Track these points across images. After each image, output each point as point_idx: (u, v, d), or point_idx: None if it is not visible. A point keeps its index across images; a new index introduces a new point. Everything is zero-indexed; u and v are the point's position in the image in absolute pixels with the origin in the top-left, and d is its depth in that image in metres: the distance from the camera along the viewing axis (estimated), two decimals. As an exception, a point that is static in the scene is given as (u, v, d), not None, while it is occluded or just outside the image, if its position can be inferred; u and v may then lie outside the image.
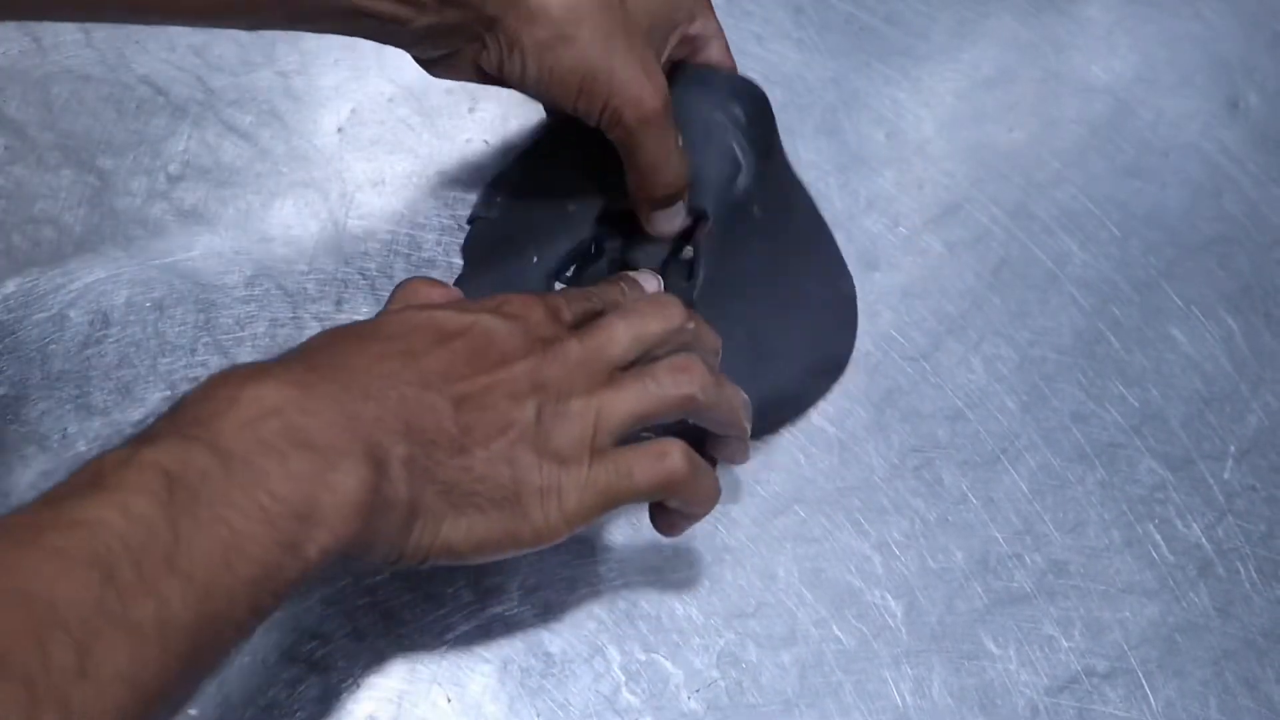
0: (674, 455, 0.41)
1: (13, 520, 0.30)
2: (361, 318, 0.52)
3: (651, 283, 0.49)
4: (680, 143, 0.48)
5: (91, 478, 0.31)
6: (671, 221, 0.50)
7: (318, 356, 0.37)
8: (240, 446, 0.32)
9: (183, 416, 0.34)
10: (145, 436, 0.33)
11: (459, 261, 0.54)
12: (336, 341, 0.39)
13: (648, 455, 0.41)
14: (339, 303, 0.52)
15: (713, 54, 0.53)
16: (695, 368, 0.42)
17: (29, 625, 0.27)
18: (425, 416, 0.37)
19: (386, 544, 0.36)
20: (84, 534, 0.29)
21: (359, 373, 0.37)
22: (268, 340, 0.51)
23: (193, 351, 0.50)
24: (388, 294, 0.52)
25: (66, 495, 0.31)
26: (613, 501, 0.40)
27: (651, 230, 0.50)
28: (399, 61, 0.56)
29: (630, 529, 0.49)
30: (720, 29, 0.53)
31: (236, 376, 0.35)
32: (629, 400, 0.41)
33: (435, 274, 0.53)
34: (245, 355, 0.50)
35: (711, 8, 0.52)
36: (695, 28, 0.51)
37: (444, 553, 0.38)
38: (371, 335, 0.39)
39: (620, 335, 0.41)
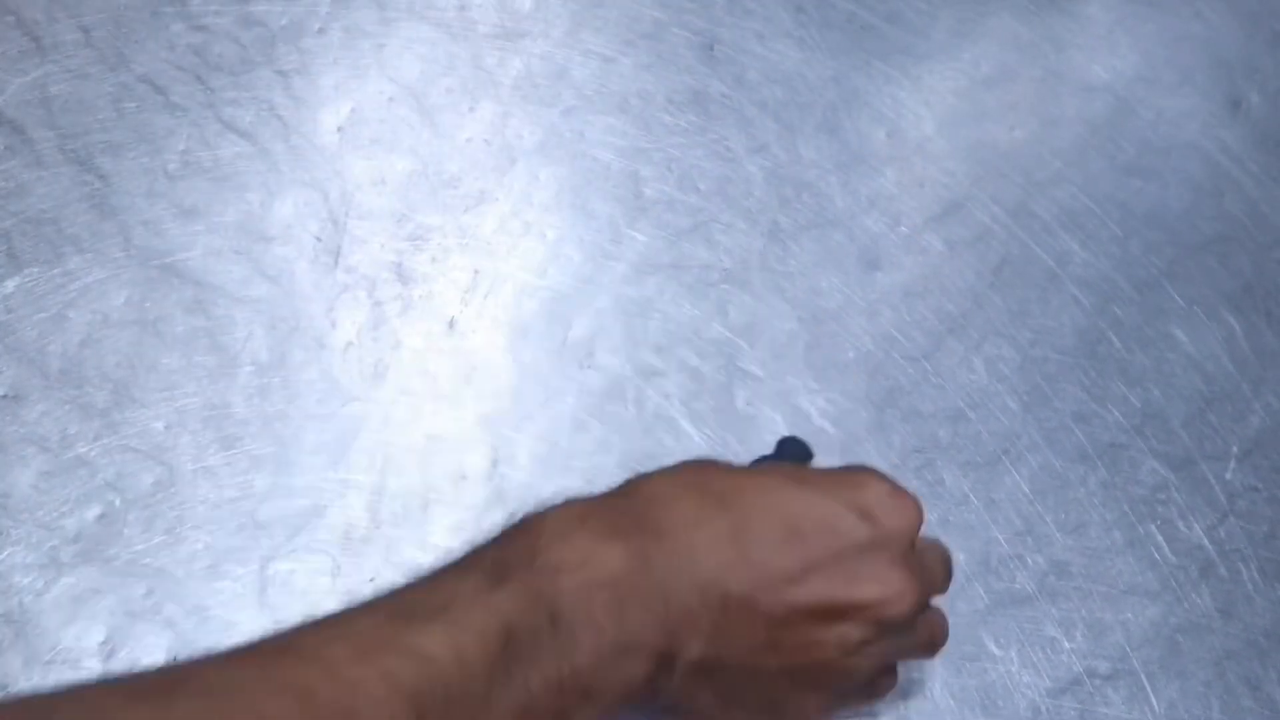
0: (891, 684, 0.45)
1: (360, 623, 0.32)
2: (361, 320, 0.52)
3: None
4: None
5: (442, 603, 0.32)
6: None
7: (662, 516, 0.37)
8: (571, 614, 0.34)
9: (536, 557, 0.34)
10: (499, 571, 0.34)
11: (459, 262, 0.54)
12: (683, 499, 0.38)
13: (882, 689, 0.44)
14: (338, 305, 0.52)
15: None
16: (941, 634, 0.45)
17: None
18: (739, 624, 0.37)
19: (640, 710, 0.38)
20: (415, 668, 0.30)
21: (696, 554, 0.37)
22: (268, 342, 0.51)
23: (192, 352, 0.50)
24: (388, 296, 0.52)
25: (413, 612, 0.32)
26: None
27: None
28: (399, 60, 0.56)
29: (631, 530, 0.49)
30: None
31: (592, 526, 0.36)
32: (906, 653, 0.44)
33: (437, 276, 0.53)
34: (244, 357, 0.50)
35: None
36: None
37: None
38: (719, 504, 0.38)
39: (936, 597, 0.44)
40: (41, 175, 0.52)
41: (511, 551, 0.35)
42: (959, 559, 0.51)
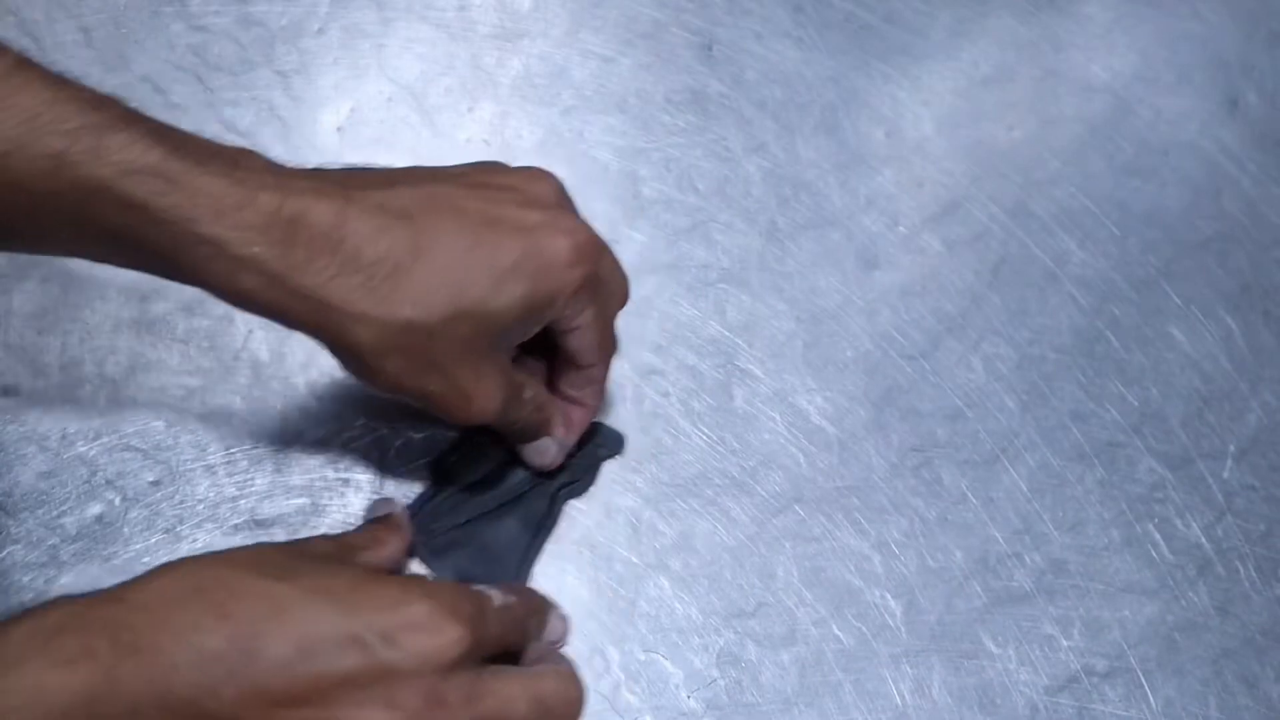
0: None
1: None
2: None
3: (559, 626, 0.44)
4: (528, 397, 0.45)
5: None
6: (543, 455, 0.47)
7: (147, 628, 0.33)
8: None
9: None
10: None
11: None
12: (176, 608, 0.34)
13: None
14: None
15: (572, 344, 0.46)
16: None
17: None
18: None
19: None
20: None
21: (176, 671, 0.33)
22: (265, 343, 0.51)
23: (192, 351, 0.50)
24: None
25: None
26: None
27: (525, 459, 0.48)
28: (398, 61, 0.56)
29: (629, 529, 0.49)
30: (595, 319, 0.45)
31: (57, 647, 0.32)
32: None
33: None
34: (244, 356, 0.50)
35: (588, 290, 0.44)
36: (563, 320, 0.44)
37: None
38: (219, 615, 0.34)
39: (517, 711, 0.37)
40: (42, 175, 0.52)
41: None
42: (956, 557, 0.52)
